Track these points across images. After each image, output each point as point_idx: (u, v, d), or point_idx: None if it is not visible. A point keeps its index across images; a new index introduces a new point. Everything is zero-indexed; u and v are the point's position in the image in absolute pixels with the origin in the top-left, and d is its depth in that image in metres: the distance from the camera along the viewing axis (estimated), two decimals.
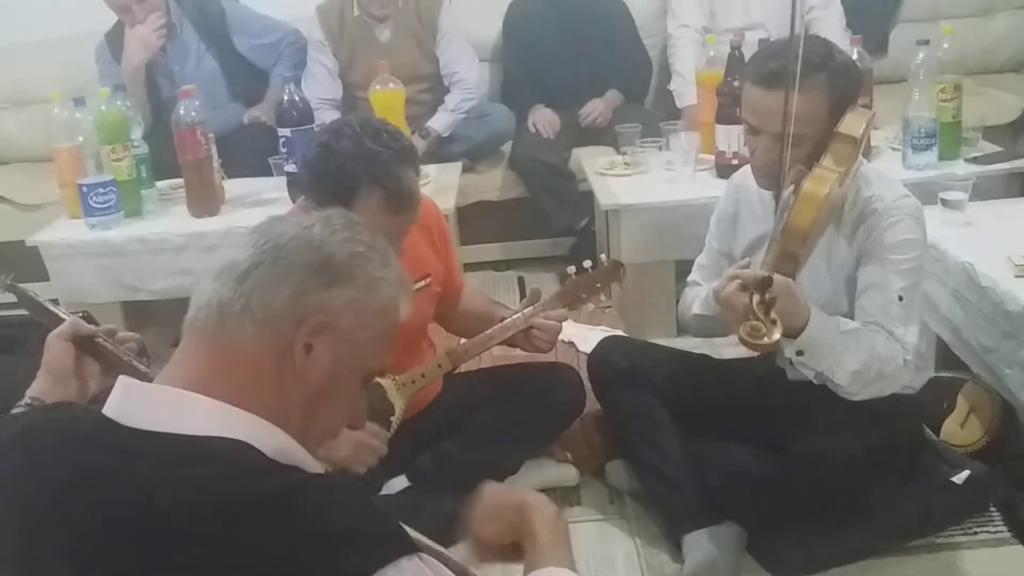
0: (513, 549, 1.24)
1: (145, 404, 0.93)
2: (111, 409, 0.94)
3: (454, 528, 1.47)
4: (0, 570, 0.91)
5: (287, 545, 0.82)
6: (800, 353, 1.71)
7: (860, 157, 1.86)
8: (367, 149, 1.75)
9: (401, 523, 0.91)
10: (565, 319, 2.12)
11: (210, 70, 3.63)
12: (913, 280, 1.82)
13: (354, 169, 1.75)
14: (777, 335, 1.56)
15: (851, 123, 1.78)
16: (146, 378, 1.04)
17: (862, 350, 1.73)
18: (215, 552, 0.82)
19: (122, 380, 0.96)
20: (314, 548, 0.82)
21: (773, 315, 1.58)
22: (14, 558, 0.90)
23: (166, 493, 0.85)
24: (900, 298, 1.79)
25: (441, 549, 1.07)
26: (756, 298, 1.59)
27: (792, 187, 1.76)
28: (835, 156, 1.76)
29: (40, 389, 1.26)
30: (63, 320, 1.37)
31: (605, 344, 2.29)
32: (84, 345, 1.32)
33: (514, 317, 2.08)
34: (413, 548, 0.87)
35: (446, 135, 3.64)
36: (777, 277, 1.62)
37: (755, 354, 1.88)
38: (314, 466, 0.98)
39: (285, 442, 0.95)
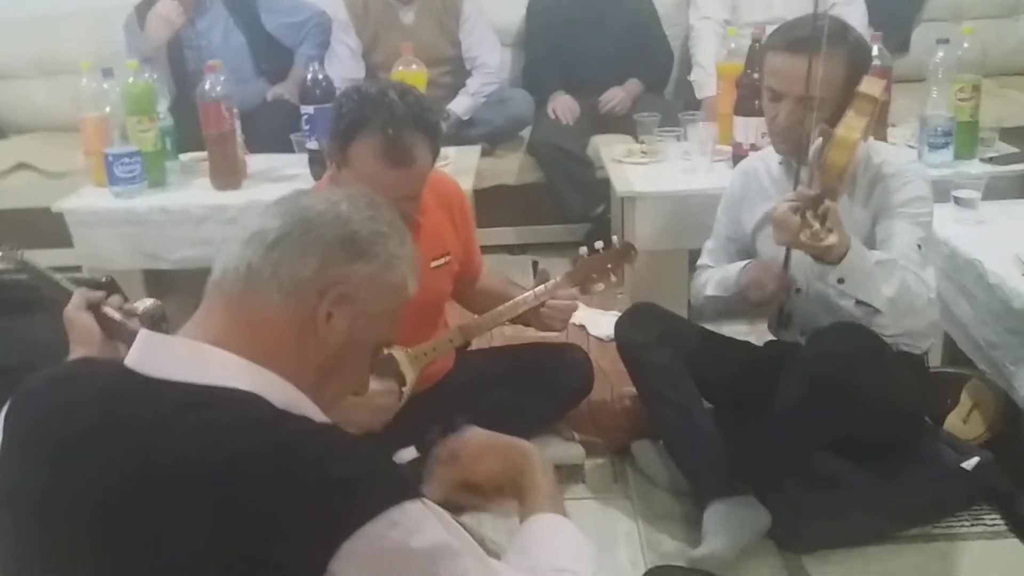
0: (487, 493, 1.28)
1: (164, 355, 0.98)
2: (132, 360, 0.99)
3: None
4: (26, 510, 0.95)
5: (294, 488, 0.86)
6: (841, 281, 1.84)
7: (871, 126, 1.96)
8: (388, 98, 1.83)
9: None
10: (576, 299, 2.15)
11: (237, 46, 3.68)
12: (927, 232, 1.98)
13: (367, 111, 1.82)
14: (834, 239, 1.76)
15: (869, 85, 1.90)
16: None
17: (895, 280, 1.86)
18: (225, 495, 0.86)
19: (143, 333, 1.01)
20: (321, 490, 0.86)
21: (828, 224, 1.77)
22: (39, 500, 0.94)
23: (179, 437, 0.89)
24: (919, 246, 1.93)
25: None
26: (810, 213, 1.78)
27: (819, 140, 1.89)
28: (858, 110, 1.88)
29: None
30: (65, 289, 1.39)
31: (636, 309, 2.27)
32: (95, 313, 1.35)
33: (524, 295, 2.12)
34: (417, 493, 0.91)
35: (466, 118, 3.68)
36: (827, 201, 1.79)
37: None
38: (322, 419, 1.01)
39: (297, 397, 0.99)
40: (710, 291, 2.18)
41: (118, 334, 1.31)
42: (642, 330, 2.19)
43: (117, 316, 1.36)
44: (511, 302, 2.12)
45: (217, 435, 0.89)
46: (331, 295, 1.00)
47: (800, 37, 1.92)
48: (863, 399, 1.87)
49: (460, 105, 3.67)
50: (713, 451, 2.05)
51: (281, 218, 1.02)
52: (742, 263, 2.17)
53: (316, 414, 1.00)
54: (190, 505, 0.86)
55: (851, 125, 1.86)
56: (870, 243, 1.97)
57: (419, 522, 0.89)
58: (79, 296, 1.34)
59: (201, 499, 0.86)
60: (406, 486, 0.91)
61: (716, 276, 2.19)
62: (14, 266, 1.81)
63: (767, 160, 2.18)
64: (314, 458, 0.89)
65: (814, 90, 1.86)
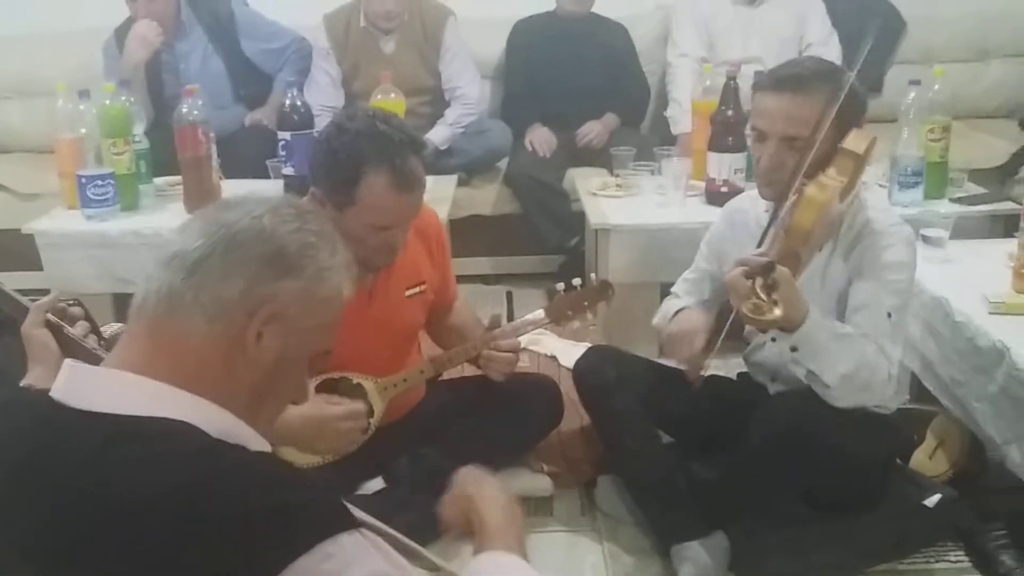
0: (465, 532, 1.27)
1: (89, 386, 0.95)
2: (58, 392, 0.96)
3: (427, 523, 1.48)
4: None
5: (227, 521, 0.84)
6: (795, 349, 1.78)
7: (862, 181, 1.93)
8: (379, 130, 1.84)
9: (346, 503, 0.94)
10: (518, 349, 2.15)
11: (216, 71, 3.69)
12: (902, 300, 1.90)
13: (364, 147, 1.83)
14: (778, 312, 1.67)
15: (854, 140, 1.84)
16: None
17: (853, 355, 1.79)
18: (158, 529, 0.84)
19: (67, 363, 0.99)
20: (254, 523, 0.84)
21: (775, 296, 1.68)
22: None
23: (110, 472, 0.87)
24: (890, 315, 1.86)
25: (389, 530, 1.09)
26: (759, 281, 1.70)
27: (794, 197, 1.83)
28: (838, 168, 1.82)
29: (34, 379, 1.26)
30: (25, 307, 1.36)
31: (592, 353, 2.29)
32: (53, 330, 1.31)
33: (468, 344, 2.13)
34: (354, 524, 0.89)
35: (444, 148, 3.69)
36: (780, 267, 1.72)
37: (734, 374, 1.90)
38: (258, 445, 0.99)
39: (230, 423, 0.97)
40: (655, 320, 2.19)
41: (76, 352, 1.27)
42: (599, 375, 2.19)
43: (75, 332, 1.32)
44: (460, 347, 2.14)
45: (148, 469, 0.87)
46: (260, 315, 0.97)
47: (785, 75, 1.90)
48: (827, 466, 1.89)
49: (438, 135, 3.68)
50: (673, 496, 2.04)
51: (202, 236, 0.97)
52: (680, 305, 2.17)
53: (252, 440, 0.98)
54: (123, 540, 0.85)
55: (824, 184, 1.79)
56: (844, 299, 1.92)
57: (354, 554, 0.87)
58: (36, 312, 1.31)
59: (134, 534, 0.85)
60: (342, 517, 0.90)
61: (665, 308, 2.21)
62: None
63: (756, 203, 2.10)
64: (247, 490, 0.87)
65: (797, 130, 1.83)
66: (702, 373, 2.01)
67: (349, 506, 0.94)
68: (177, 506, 0.85)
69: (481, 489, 1.25)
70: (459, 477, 1.31)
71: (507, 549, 1.16)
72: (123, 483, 0.86)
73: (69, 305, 1.88)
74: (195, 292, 0.95)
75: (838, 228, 1.92)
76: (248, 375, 0.98)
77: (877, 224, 1.92)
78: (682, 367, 2.05)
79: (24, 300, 1.42)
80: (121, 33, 3.59)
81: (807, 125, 1.83)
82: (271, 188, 3.03)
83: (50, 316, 1.31)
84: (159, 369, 0.95)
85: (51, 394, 0.96)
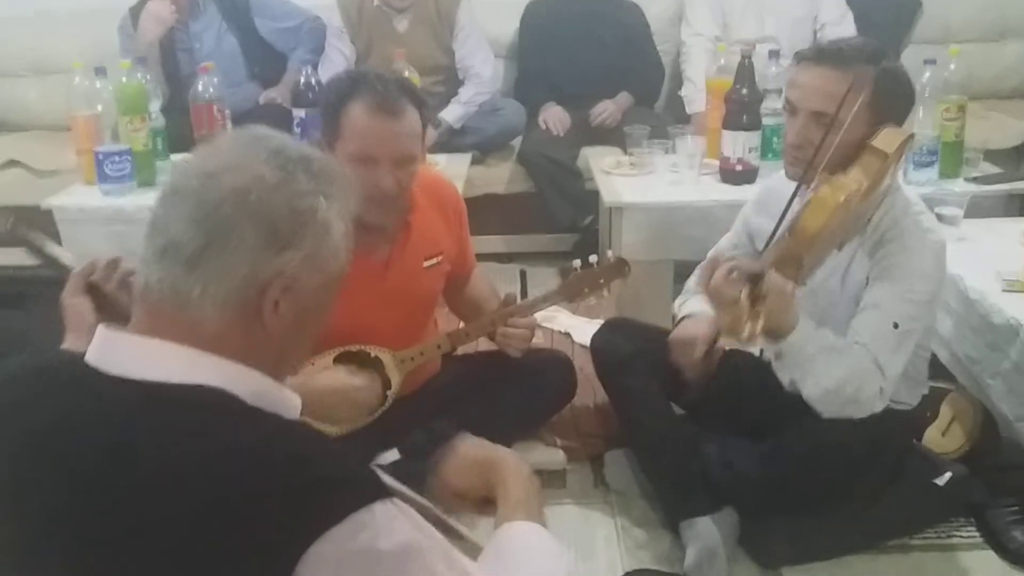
0: (483, 503, 1.28)
1: (123, 351, 0.95)
2: (92, 356, 0.97)
3: (425, 479, 1.47)
4: None
5: (262, 490, 0.85)
6: (779, 356, 1.73)
7: (895, 179, 1.84)
8: (373, 71, 1.94)
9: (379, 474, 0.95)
10: (534, 326, 2.15)
11: (230, 49, 3.70)
12: (916, 312, 1.79)
13: (347, 81, 1.92)
14: (757, 330, 1.56)
15: (885, 139, 1.73)
16: None
17: (841, 370, 1.72)
18: (193, 496, 0.85)
19: (101, 328, 0.99)
20: (289, 493, 0.85)
21: (759, 308, 1.57)
22: (3, 501, 0.94)
23: (142, 439, 0.88)
24: (896, 325, 1.76)
25: (420, 499, 1.11)
26: (746, 290, 1.58)
27: (809, 194, 1.74)
28: (863, 168, 1.71)
29: (69, 346, 1.25)
30: (63, 265, 1.35)
31: (609, 326, 2.29)
32: (92, 293, 1.30)
33: (484, 319, 2.14)
34: (386, 493, 0.90)
35: (458, 127, 3.70)
36: (770, 274, 1.62)
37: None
38: (292, 412, 1.01)
39: (261, 383, 0.97)
40: (675, 306, 2.19)
41: (120, 308, 1.25)
42: (615, 349, 2.20)
43: (115, 294, 1.29)
44: (477, 322, 2.14)
45: (182, 437, 0.88)
46: (272, 291, 0.96)
47: (828, 48, 1.81)
48: (842, 463, 1.89)
49: (452, 113, 3.69)
50: (684, 472, 2.05)
51: (191, 225, 0.94)
52: (699, 309, 2.09)
53: (286, 405, 0.99)
54: (156, 505, 0.85)
55: (841, 185, 1.67)
56: (856, 301, 1.85)
57: (388, 524, 0.88)
58: (74, 280, 1.30)
59: (167, 500, 0.85)
60: (375, 487, 0.90)
61: (689, 292, 2.19)
62: (12, 238, 1.80)
63: (788, 183, 1.95)
64: (282, 461, 0.88)
65: (828, 106, 1.73)
66: (703, 378, 2.00)
67: (382, 475, 0.94)
68: (211, 475, 0.85)
69: (503, 458, 1.27)
70: (462, 444, 1.32)
71: (530, 519, 1.17)
72: (156, 450, 0.87)
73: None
74: (202, 286, 0.94)
75: (864, 226, 1.84)
76: (272, 339, 0.98)
77: (908, 227, 1.81)
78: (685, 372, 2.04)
79: (65, 256, 1.40)
80: (136, 12, 3.60)
81: (833, 100, 1.73)
82: None
83: (92, 279, 1.29)
84: (184, 342, 0.95)
85: (86, 359, 0.97)
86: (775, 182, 2.13)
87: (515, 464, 1.27)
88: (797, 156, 1.84)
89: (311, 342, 1.07)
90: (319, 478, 0.87)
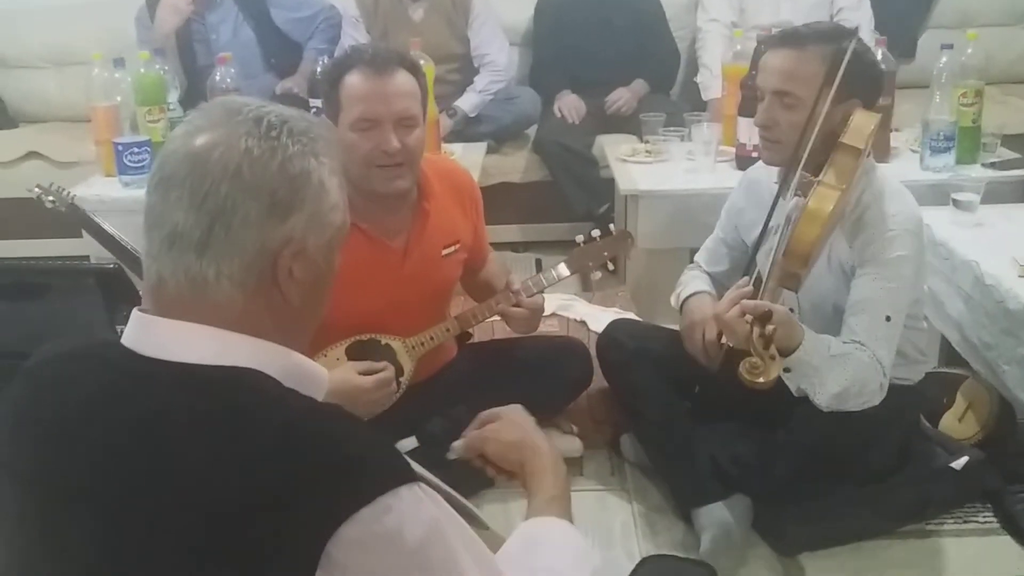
0: (500, 472, 1.28)
1: (157, 335, 0.96)
2: (128, 339, 0.98)
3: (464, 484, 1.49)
4: (27, 485, 0.96)
5: (297, 471, 0.86)
6: (787, 370, 1.76)
7: (868, 159, 1.89)
8: (361, 46, 2.05)
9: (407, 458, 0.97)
10: (539, 307, 2.16)
11: (246, 40, 3.72)
12: (903, 297, 1.86)
13: (344, 58, 1.99)
14: (775, 373, 1.61)
15: (856, 131, 1.78)
16: None
17: (846, 374, 1.77)
18: (228, 474, 0.86)
19: (136, 313, 1.00)
20: (324, 473, 0.86)
21: (772, 350, 1.62)
22: (38, 474, 0.95)
23: (177, 420, 0.90)
24: (888, 319, 1.82)
25: (445, 487, 1.12)
26: (756, 330, 1.63)
27: (795, 200, 1.79)
28: (838, 171, 1.77)
29: None
30: (118, 242, 1.37)
31: (613, 326, 2.36)
32: None
33: (491, 300, 2.14)
34: (414, 477, 0.91)
35: (473, 115, 3.71)
36: (777, 309, 1.68)
37: None
38: (321, 381, 1.02)
39: (291, 360, 0.99)
40: (672, 299, 2.20)
41: None
42: (618, 348, 2.24)
43: None
44: (484, 303, 2.15)
45: (220, 416, 0.90)
46: (284, 258, 0.96)
47: (787, 32, 1.91)
48: (850, 439, 1.91)
49: (467, 102, 3.70)
50: (692, 463, 2.07)
51: (191, 210, 0.94)
52: (696, 288, 2.15)
53: (316, 382, 1.02)
54: (188, 485, 0.87)
55: (825, 195, 1.72)
56: (850, 277, 1.89)
57: (413, 507, 0.89)
58: None
59: (200, 480, 0.87)
60: (404, 470, 0.91)
61: (684, 283, 2.21)
62: (64, 207, 1.84)
63: (770, 172, 2.08)
64: (316, 440, 0.89)
65: (789, 85, 1.83)
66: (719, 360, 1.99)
67: (409, 460, 0.96)
68: (246, 454, 0.87)
69: (544, 445, 1.27)
70: (509, 412, 1.32)
71: (560, 515, 1.18)
72: (189, 430, 0.89)
73: (109, 269, 1.94)
74: (216, 268, 0.94)
75: (844, 209, 1.86)
76: (293, 306, 1.00)
77: (880, 212, 1.86)
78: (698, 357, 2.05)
79: (118, 235, 1.44)
80: (152, 3, 3.63)
81: (801, 82, 1.83)
82: None
83: None
84: (213, 323, 0.96)
85: (122, 341, 0.98)
86: (756, 172, 2.17)
87: (556, 459, 1.27)
88: (767, 138, 1.92)
89: (329, 300, 1.07)
90: (351, 458, 0.89)
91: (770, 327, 1.64)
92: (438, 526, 0.91)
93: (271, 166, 0.95)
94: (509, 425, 1.34)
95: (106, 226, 1.55)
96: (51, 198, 1.90)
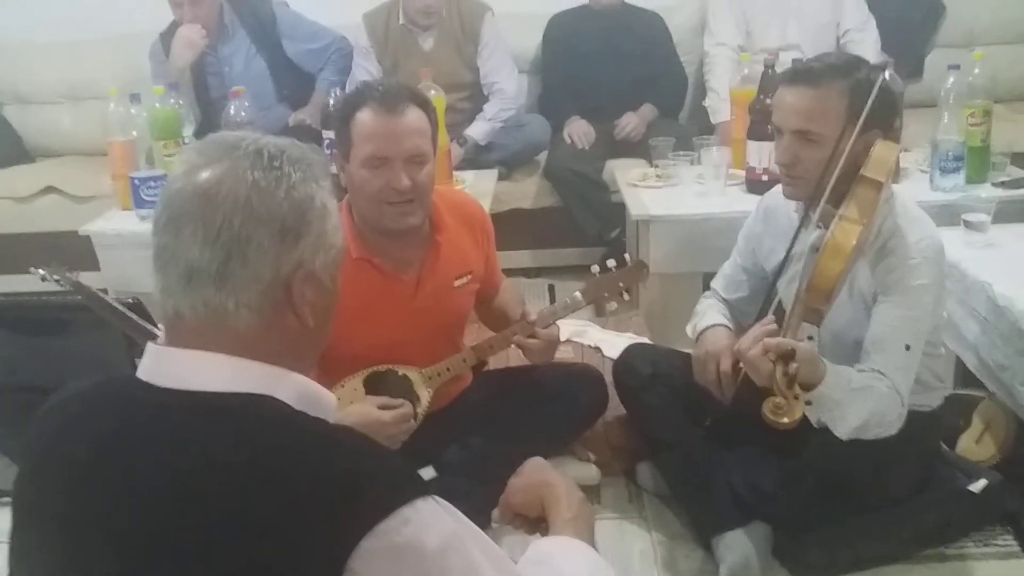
0: (537, 523, 1.31)
1: (173, 365, 0.99)
2: (143, 372, 1.01)
3: (478, 512, 1.53)
4: (50, 524, 0.98)
5: (314, 486, 0.89)
6: (808, 403, 1.76)
7: (890, 187, 1.89)
8: (373, 83, 2.05)
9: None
10: (556, 336, 2.17)
11: (259, 72, 3.77)
12: (922, 325, 1.86)
13: (360, 90, 2.03)
14: (799, 413, 1.60)
15: (877, 163, 1.79)
16: None
17: (867, 407, 1.78)
18: (247, 497, 0.89)
19: (150, 346, 1.03)
20: (341, 489, 0.89)
21: (796, 389, 1.62)
22: (61, 513, 0.97)
23: (199, 445, 0.92)
24: (907, 347, 1.83)
25: (461, 517, 1.14)
26: (780, 370, 1.64)
27: (817, 232, 1.79)
28: (859, 204, 1.77)
29: None
30: (119, 311, 1.42)
31: (629, 351, 2.37)
32: None
33: (507, 330, 2.16)
34: (429, 490, 0.94)
35: (483, 143, 3.74)
36: (801, 347, 1.69)
37: None
38: (331, 405, 1.05)
39: (303, 384, 1.02)
40: (687, 328, 2.21)
41: None
42: (634, 373, 2.25)
43: None
44: (500, 334, 2.16)
45: (236, 441, 0.92)
46: (297, 283, 1.00)
47: (800, 69, 1.91)
48: (870, 467, 1.91)
49: (478, 130, 3.73)
50: (711, 490, 2.07)
51: (206, 245, 0.97)
52: (713, 320, 2.14)
53: (326, 405, 1.04)
54: (212, 509, 0.89)
55: (847, 230, 1.72)
56: (868, 309, 1.90)
57: (431, 518, 0.91)
58: None
59: (223, 502, 0.89)
60: (417, 483, 0.94)
61: (697, 317, 2.21)
62: (69, 285, 1.89)
63: (788, 200, 2.07)
64: (329, 459, 0.92)
65: (809, 124, 1.83)
66: (730, 392, 1.99)
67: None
68: (262, 475, 0.89)
69: (557, 479, 1.31)
70: (528, 465, 1.36)
71: (575, 534, 1.21)
72: (209, 457, 0.91)
73: (129, 303, 1.97)
74: (235, 298, 0.98)
75: (867, 236, 1.86)
76: (307, 328, 1.03)
77: (902, 240, 1.87)
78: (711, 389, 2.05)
79: (124, 308, 1.49)
80: (166, 38, 3.67)
81: (819, 120, 1.83)
82: None
83: None
84: (227, 351, 0.99)
85: (137, 374, 1.01)
86: (773, 199, 2.17)
87: (568, 487, 1.31)
88: (789, 175, 1.92)
89: (332, 322, 1.10)
90: (367, 474, 0.91)
91: (794, 365, 1.64)
92: (456, 535, 0.93)
93: (278, 194, 0.99)
94: (526, 475, 1.37)
95: (112, 301, 1.59)
96: (56, 277, 1.92)
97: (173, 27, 3.66)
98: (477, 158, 3.72)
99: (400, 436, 1.97)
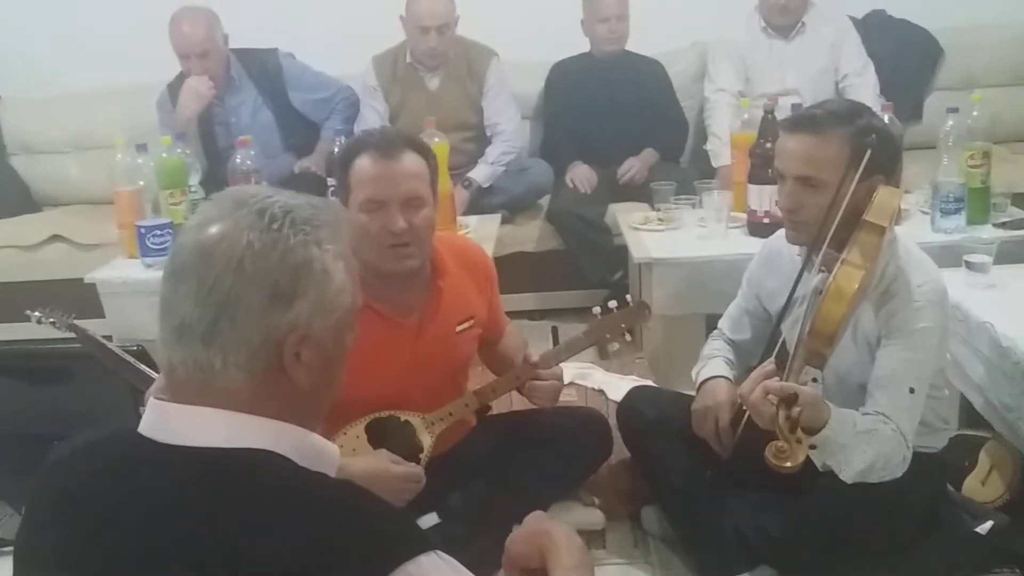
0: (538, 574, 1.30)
1: (172, 421, 1.00)
2: (145, 428, 1.02)
3: (482, 559, 1.52)
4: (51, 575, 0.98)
5: (316, 545, 0.89)
6: (813, 447, 1.77)
7: (892, 230, 1.90)
8: (372, 130, 2.11)
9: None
10: (559, 378, 2.18)
11: (265, 122, 3.82)
12: (926, 368, 1.87)
13: (355, 143, 2.06)
14: (802, 457, 1.61)
15: (880, 208, 1.80)
16: None
17: (871, 451, 1.78)
18: (249, 555, 0.89)
19: (152, 401, 1.04)
20: (345, 547, 0.89)
21: (799, 433, 1.63)
22: (64, 568, 0.98)
23: (200, 502, 0.92)
24: (912, 390, 1.84)
25: (462, 568, 1.13)
26: (783, 413, 1.64)
27: (820, 275, 1.81)
28: (862, 249, 1.77)
29: None
30: (119, 356, 1.45)
31: (633, 394, 2.37)
32: None
33: (510, 374, 2.17)
34: (432, 546, 0.94)
35: (486, 186, 3.77)
36: (803, 391, 1.69)
37: None
38: (333, 460, 1.05)
39: (303, 439, 1.02)
40: (693, 372, 2.21)
41: None
42: (639, 417, 2.25)
43: None
44: (503, 377, 2.17)
45: (235, 500, 0.92)
46: (289, 345, 0.99)
47: (802, 116, 1.93)
48: (875, 511, 1.88)
49: (480, 173, 3.77)
50: (717, 533, 2.05)
51: (198, 304, 0.97)
52: (715, 372, 2.15)
53: (328, 460, 1.04)
54: (215, 568, 0.89)
55: (849, 275, 1.73)
56: (872, 352, 1.91)
57: (434, 574, 0.92)
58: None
59: (226, 560, 0.89)
60: (420, 539, 0.94)
61: (705, 360, 2.22)
62: (64, 327, 1.90)
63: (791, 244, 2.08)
64: (335, 516, 0.92)
65: (812, 171, 1.85)
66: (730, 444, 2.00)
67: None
68: (265, 535, 0.89)
69: (556, 527, 1.30)
70: (530, 518, 1.35)
71: None
72: (213, 515, 0.91)
73: (133, 351, 1.98)
74: (222, 357, 0.98)
75: (871, 277, 1.87)
76: (303, 389, 1.02)
77: (906, 284, 1.88)
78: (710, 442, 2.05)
79: (116, 349, 1.51)
80: (174, 88, 3.73)
81: (822, 166, 1.85)
82: None
83: None
84: (225, 407, 1.00)
85: (139, 430, 1.02)
86: (776, 243, 2.18)
87: (568, 535, 1.30)
88: (792, 220, 1.94)
89: (342, 380, 1.10)
90: (371, 530, 0.92)
91: (796, 409, 1.64)
92: None
93: (272, 258, 0.98)
94: (524, 527, 1.37)
95: (111, 346, 1.61)
96: (52, 320, 1.94)
97: (180, 78, 3.72)
98: (481, 202, 3.75)
99: (406, 493, 1.96)
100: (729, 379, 2.14)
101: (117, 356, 2.00)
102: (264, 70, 3.82)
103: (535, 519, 1.39)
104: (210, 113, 3.72)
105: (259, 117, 3.82)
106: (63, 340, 2.23)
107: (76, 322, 1.92)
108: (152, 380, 1.50)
